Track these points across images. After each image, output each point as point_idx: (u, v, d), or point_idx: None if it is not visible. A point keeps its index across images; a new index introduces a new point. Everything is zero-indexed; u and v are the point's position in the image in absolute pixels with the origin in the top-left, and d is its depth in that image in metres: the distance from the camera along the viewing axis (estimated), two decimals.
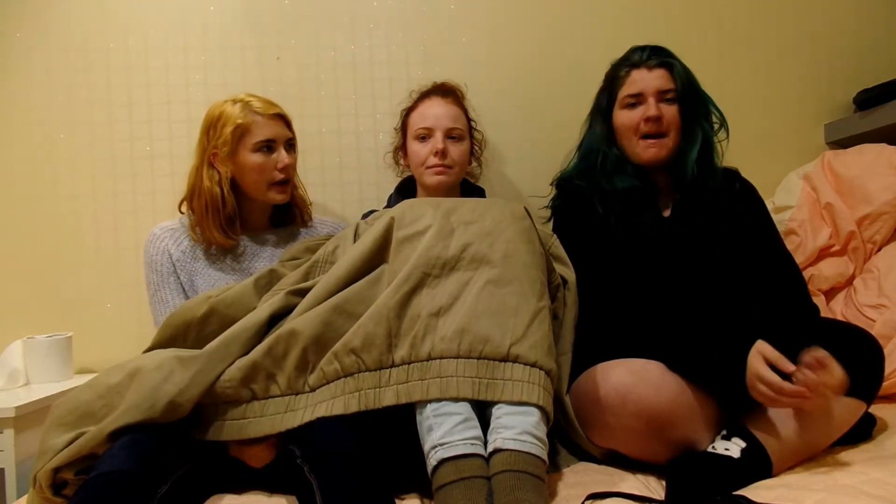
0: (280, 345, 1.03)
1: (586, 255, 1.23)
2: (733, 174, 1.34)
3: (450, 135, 1.43)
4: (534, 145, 1.74)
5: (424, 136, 1.44)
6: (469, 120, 1.52)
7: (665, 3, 1.77)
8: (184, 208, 1.40)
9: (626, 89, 1.29)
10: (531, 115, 1.74)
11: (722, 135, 1.34)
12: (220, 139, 1.31)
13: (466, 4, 1.75)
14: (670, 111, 1.26)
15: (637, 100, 1.27)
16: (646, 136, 1.26)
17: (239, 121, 1.31)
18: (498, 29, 1.75)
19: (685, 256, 1.22)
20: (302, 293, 1.13)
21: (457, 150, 1.44)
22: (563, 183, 1.39)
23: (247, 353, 1.05)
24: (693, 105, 1.28)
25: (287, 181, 1.37)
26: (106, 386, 1.00)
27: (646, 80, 1.27)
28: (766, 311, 1.13)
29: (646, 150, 1.27)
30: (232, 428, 1.01)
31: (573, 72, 1.73)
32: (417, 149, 1.44)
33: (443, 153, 1.41)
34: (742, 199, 1.29)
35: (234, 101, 1.34)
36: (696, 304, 1.14)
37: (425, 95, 1.50)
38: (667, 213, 1.30)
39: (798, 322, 1.10)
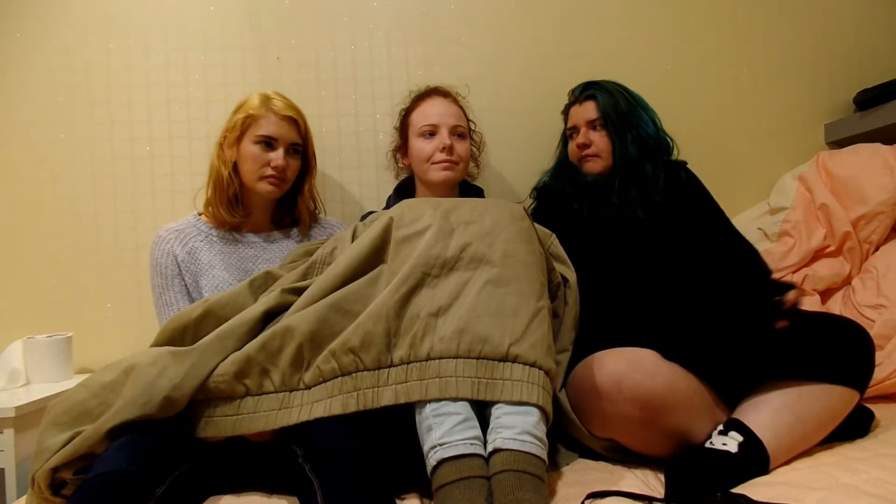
0: (275, 340, 1.03)
1: (569, 250, 1.28)
2: (679, 166, 1.48)
3: (454, 132, 1.45)
4: (533, 146, 1.73)
5: (430, 133, 1.45)
6: (468, 121, 1.54)
7: (665, 4, 1.77)
8: (199, 198, 1.44)
9: (568, 123, 1.54)
10: (531, 116, 1.75)
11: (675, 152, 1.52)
12: (231, 124, 1.38)
13: (466, 5, 1.75)
14: (598, 136, 1.45)
15: (574, 131, 1.50)
16: (584, 157, 1.47)
17: (251, 111, 1.37)
18: (498, 29, 1.75)
19: (646, 240, 1.34)
20: (298, 291, 1.13)
21: (462, 147, 1.46)
22: (541, 188, 1.54)
23: (241, 348, 1.05)
24: (618, 131, 1.42)
25: (279, 179, 1.37)
26: (100, 384, 1.00)
27: (578, 113, 1.49)
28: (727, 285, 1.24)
29: (585, 165, 1.47)
30: (226, 424, 1.01)
31: (574, 72, 1.73)
32: (422, 146, 1.45)
33: (450, 149, 1.43)
34: (687, 188, 1.44)
35: (260, 94, 1.40)
36: (662, 283, 1.27)
37: (426, 95, 1.51)
38: (642, 214, 1.41)
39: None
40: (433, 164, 1.44)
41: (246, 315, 1.09)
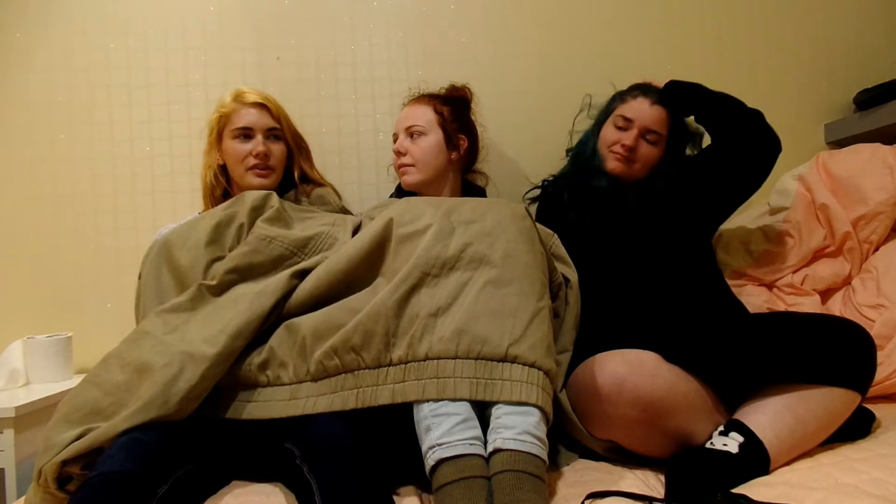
0: (291, 336, 1.07)
1: (571, 251, 1.29)
2: None
3: (409, 133, 1.45)
4: (535, 145, 1.74)
5: (395, 142, 1.49)
6: (438, 114, 1.46)
7: (666, 4, 1.77)
8: (198, 199, 1.48)
9: (623, 110, 1.40)
10: (533, 115, 1.75)
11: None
12: (209, 128, 1.43)
13: (466, 4, 1.75)
14: (646, 148, 1.37)
15: (626, 123, 1.38)
16: (616, 152, 1.38)
17: (223, 110, 1.41)
18: (498, 29, 1.75)
19: (651, 244, 1.32)
20: (302, 275, 1.15)
21: (415, 147, 1.44)
22: (547, 185, 1.51)
23: (250, 342, 1.08)
24: (670, 155, 1.40)
25: (265, 167, 1.39)
26: (112, 383, 1.00)
27: (643, 111, 1.37)
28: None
29: (611, 161, 1.38)
30: (240, 408, 1.04)
31: (574, 71, 1.74)
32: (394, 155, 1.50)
33: (398, 152, 1.46)
34: None
35: (232, 93, 1.43)
36: (664, 284, 1.27)
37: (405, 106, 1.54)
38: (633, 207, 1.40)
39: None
40: (398, 170, 1.47)
41: (256, 311, 1.09)
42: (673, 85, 1.41)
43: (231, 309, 1.09)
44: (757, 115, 1.37)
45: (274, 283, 1.13)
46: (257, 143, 1.38)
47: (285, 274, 1.14)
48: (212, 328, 1.06)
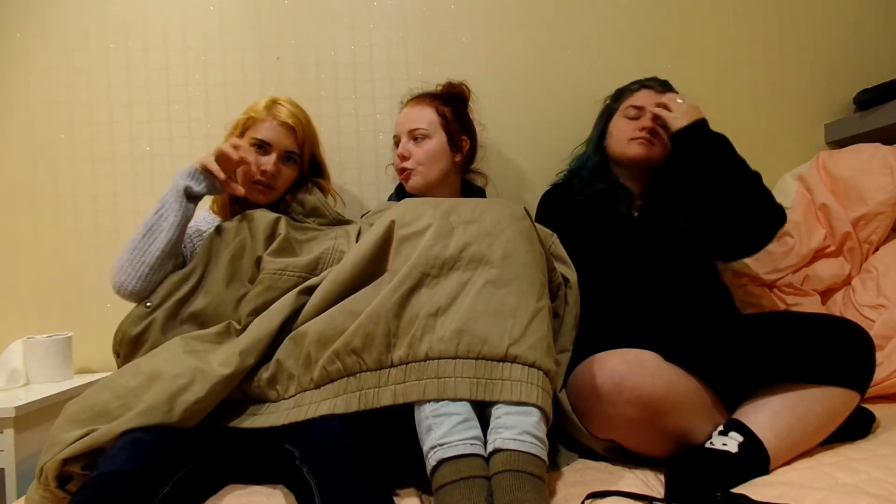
0: (297, 347, 1.08)
1: (571, 250, 1.29)
2: None
3: (412, 136, 1.45)
4: (535, 145, 1.74)
5: (396, 145, 1.48)
6: (441, 116, 1.46)
7: (666, 3, 1.77)
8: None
9: (632, 100, 1.43)
10: (533, 115, 1.75)
11: None
12: (235, 123, 1.40)
13: (467, 4, 1.75)
14: (659, 134, 1.39)
15: (638, 112, 1.41)
16: (638, 136, 1.39)
17: (253, 114, 1.38)
18: (498, 29, 1.75)
19: (653, 249, 1.33)
20: (310, 291, 1.15)
21: (419, 151, 1.44)
22: (553, 190, 1.50)
23: (259, 360, 1.09)
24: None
25: (268, 186, 1.37)
26: (124, 388, 1.01)
27: (651, 99, 1.40)
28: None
29: (634, 147, 1.39)
30: (243, 420, 1.05)
31: (574, 71, 1.74)
32: (394, 157, 1.49)
33: (401, 156, 1.45)
34: None
35: (270, 99, 1.42)
36: (664, 284, 1.28)
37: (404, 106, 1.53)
38: (636, 213, 1.42)
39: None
40: (398, 173, 1.47)
41: (264, 329, 1.10)
42: (703, 126, 1.32)
43: (244, 335, 1.12)
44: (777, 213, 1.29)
45: (281, 303, 1.14)
46: (269, 161, 1.35)
47: (293, 292, 1.15)
48: (226, 352, 1.08)
